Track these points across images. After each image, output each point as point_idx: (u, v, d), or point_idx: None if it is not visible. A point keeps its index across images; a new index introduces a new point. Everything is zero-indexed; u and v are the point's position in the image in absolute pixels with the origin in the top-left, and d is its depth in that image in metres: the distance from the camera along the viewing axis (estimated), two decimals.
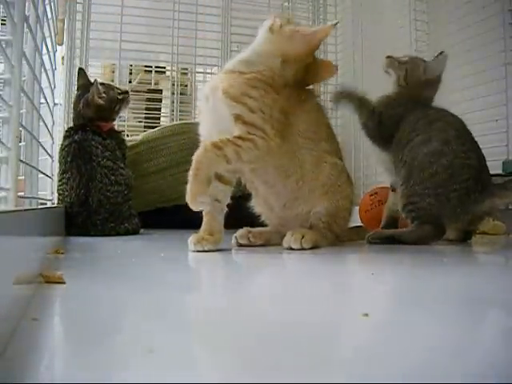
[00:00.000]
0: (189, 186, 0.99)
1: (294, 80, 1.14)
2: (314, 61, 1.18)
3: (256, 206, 1.22)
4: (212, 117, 1.10)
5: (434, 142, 1.22)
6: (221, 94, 1.06)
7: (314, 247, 1.07)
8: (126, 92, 1.65)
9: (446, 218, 1.21)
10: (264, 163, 1.09)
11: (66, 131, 1.55)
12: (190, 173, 1.00)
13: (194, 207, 1.00)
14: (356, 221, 1.53)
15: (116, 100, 1.58)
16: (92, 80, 1.62)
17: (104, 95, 1.55)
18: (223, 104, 1.06)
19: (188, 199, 0.99)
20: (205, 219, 1.09)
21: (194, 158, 1.01)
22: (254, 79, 1.09)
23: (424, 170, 1.21)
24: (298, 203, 1.14)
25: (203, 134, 1.12)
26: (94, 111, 1.54)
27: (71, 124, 1.61)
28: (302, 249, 1.04)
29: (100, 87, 1.55)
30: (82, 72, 1.64)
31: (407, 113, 1.30)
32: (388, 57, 1.41)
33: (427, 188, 1.20)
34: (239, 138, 1.04)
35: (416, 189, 1.22)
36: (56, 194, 1.52)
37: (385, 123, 1.33)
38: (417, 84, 1.35)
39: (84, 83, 1.60)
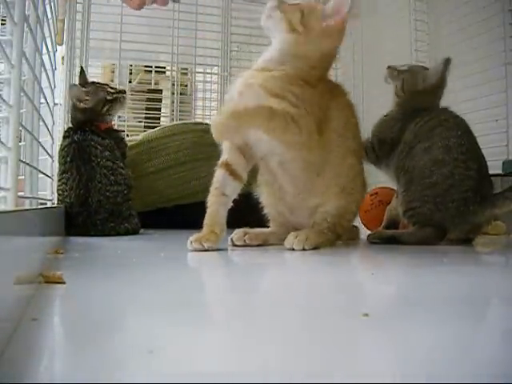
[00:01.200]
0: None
1: (327, 70, 1.13)
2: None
3: (263, 193, 1.20)
4: None
5: (435, 149, 1.21)
6: (257, 88, 1.04)
7: (315, 248, 1.07)
8: (122, 91, 1.63)
9: (446, 223, 1.21)
10: (300, 157, 1.09)
11: (65, 131, 1.54)
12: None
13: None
14: (356, 221, 1.53)
15: (104, 101, 1.55)
16: (90, 80, 1.61)
17: (87, 98, 1.52)
18: (261, 98, 1.03)
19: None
20: (208, 212, 1.07)
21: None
22: (290, 75, 1.06)
23: (424, 178, 1.21)
24: (312, 196, 1.13)
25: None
26: (82, 114, 1.53)
27: (71, 124, 1.60)
28: (303, 249, 1.05)
29: (82, 90, 1.53)
30: (82, 72, 1.63)
31: (407, 123, 1.29)
32: (388, 67, 1.40)
33: (426, 196, 1.20)
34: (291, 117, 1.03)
35: (416, 195, 1.22)
36: (56, 194, 1.52)
37: (384, 144, 1.32)
38: (415, 93, 1.33)
39: (81, 83, 1.59)
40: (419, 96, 1.32)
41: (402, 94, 1.35)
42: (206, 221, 1.06)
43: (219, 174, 1.10)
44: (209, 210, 1.07)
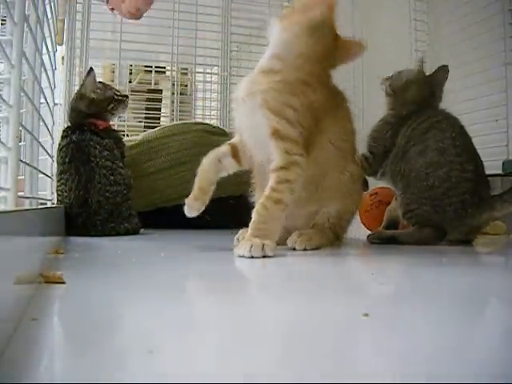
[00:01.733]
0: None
1: (326, 55, 1.10)
2: (339, 39, 1.13)
3: (257, 194, 1.18)
4: (249, 121, 1.08)
5: (430, 152, 1.21)
6: (260, 100, 1.03)
7: (317, 248, 1.07)
8: (126, 96, 1.66)
9: (444, 225, 1.21)
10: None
11: (64, 131, 1.53)
12: (259, 227, 0.97)
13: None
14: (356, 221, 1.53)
15: (111, 98, 1.58)
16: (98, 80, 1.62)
17: (98, 90, 1.55)
18: (261, 113, 1.03)
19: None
20: (197, 177, 1.10)
21: (259, 215, 0.98)
22: (296, 83, 1.04)
23: (421, 181, 1.21)
24: (309, 203, 1.13)
25: (238, 131, 1.13)
26: (86, 105, 1.53)
27: (68, 121, 1.60)
28: (304, 249, 1.05)
29: (96, 81, 1.56)
30: (91, 71, 1.63)
31: (400, 127, 1.30)
32: (382, 79, 1.44)
33: (424, 198, 1.21)
34: (285, 169, 1.01)
35: (414, 198, 1.23)
36: (55, 195, 1.52)
37: (378, 156, 1.33)
38: (401, 88, 1.35)
39: None
40: (405, 91, 1.34)
41: (391, 92, 1.38)
42: (195, 184, 1.08)
43: (222, 147, 1.12)
44: (197, 176, 1.09)
